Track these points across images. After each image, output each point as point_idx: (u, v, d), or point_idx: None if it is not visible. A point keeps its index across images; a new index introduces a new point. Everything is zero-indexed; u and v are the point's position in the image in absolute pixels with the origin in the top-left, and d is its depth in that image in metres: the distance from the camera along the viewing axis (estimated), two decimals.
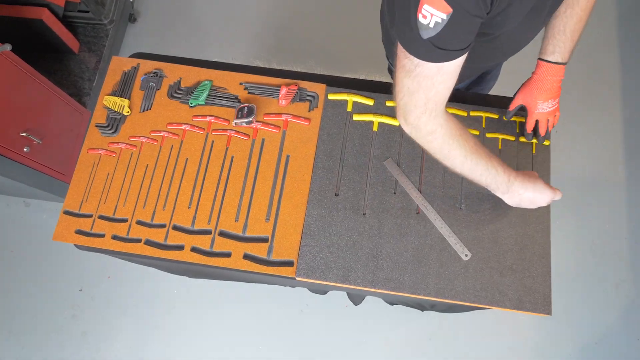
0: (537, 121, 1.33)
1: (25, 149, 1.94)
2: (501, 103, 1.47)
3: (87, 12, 2.64)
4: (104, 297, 2.47)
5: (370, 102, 1.46)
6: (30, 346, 2.40)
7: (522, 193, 1.20)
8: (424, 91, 0.94)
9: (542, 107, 1.29)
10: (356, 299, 2.06)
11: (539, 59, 1.23)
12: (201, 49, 2.99)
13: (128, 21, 3.01)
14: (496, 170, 1.14)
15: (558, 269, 2.41)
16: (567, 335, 2.37)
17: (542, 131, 1.34)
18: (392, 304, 2.13)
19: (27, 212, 2.63)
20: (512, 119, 1.41)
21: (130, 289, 2.48)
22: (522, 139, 1.40)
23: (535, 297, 1.25)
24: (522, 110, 1.34)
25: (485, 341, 2.37)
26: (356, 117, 1.44)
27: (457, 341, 2.37)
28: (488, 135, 1.41)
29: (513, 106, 1.34)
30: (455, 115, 1.43)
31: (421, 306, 1.80)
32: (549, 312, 1.24)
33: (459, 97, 1.50)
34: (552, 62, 1.21)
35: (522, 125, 1.40)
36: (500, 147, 1.40)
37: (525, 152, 1.40)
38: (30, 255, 2.55)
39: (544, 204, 1.25)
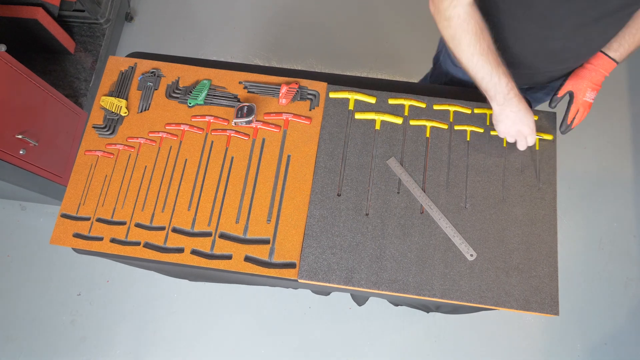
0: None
1: (21, 152, 1.94)
2: None
3: (83, 11, 2.64)
4: (103, 302, 2.47)
5: (372, 100, 1.46)
6: (29, 352, 2.41)
7: (514, 111, 1.25)
8: None
9: (589, 96, 1.33)
10: (360, 299, 2.06)
11: (601, 51, 1.28)
12: (199, 48, 2.99)
13: (125, 20, 3.02)
14: (499, 79, 1.19)
15: (565, 268, 2.42)
16: (576, 336, 2.37)
17: (577, 121, 1.36)
18: (396, 305, 2.14)
19: (24, 215, 2.64)
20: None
21: (129, 293, 2.49)
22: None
23: (542, 298, 1.25)
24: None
25: (492, 342, 2.36)
26: (358, 116, 1.44)
27: (463, 343, 2.37)
28: (493, 132, 1.41)
29: (562, 92, 1.36)
30: (459, 113, 1.43)
31: (426, 307, 1.80)
32: (556, 313, 1.24)
33: (462, 94, 1.50)
34: (610, 57, 1.26)
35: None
36: (505, 145, 1.40)
37: (530, 149, 1.40)
38: (28, 259, 2.55)
39: (519, 135, 1.31)
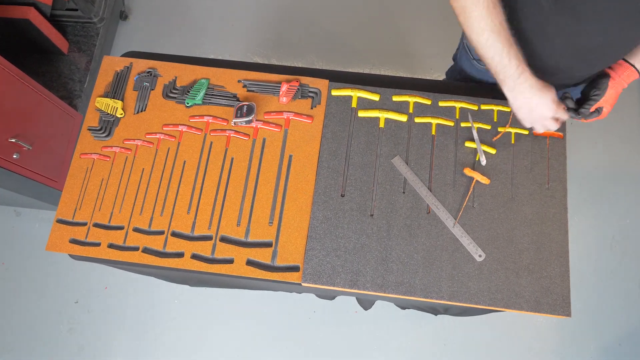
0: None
1: (14, 156, 1.95)
2: None
3: (76, 10, 2.64)
4: (102, 309, 2.48)
5: (375, 98, 1.46)
6: None
7: (527, 97, 1.19)
8: None
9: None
10: (366, 303, 2.06)
11: (623, 59, 1.22)
12: (197, 46, 2.99)
13: (119, 19, 3.02)
14: (509, 60, 1.13)
15: (577, 267, 2.41)
16: (589, 337, 2.37)
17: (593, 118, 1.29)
18: (403, 308, 2.13)
19: (18, 221, 2.64)
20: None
21: (128, 299, 2.49)
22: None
23: (553, 299, 1.25)
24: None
25: (502, 345, 2.36)
26: (361, 114, 1.44)
27: (473, 345, 2.37)
28: (500, 129, 1.41)
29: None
30: (466, 110, 1.43)
31: (434, 310, 1.80)
32: (568, 314, 1.24)
33: (469, 90, 1.50)
34: (629, 64, 1.20)
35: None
36: (513, 142, 1.40)
37: (540, 146, 1.40)
38: (23, 267, 2.56)
39: (545, 120, 1.24)
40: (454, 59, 1.68)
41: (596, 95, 1.23)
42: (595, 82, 1.25)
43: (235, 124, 1.42)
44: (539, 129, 1.29)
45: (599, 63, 1.23)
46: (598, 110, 1.25)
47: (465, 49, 1.49)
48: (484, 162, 1.36)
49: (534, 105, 1.21)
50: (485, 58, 1.16)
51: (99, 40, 2.73)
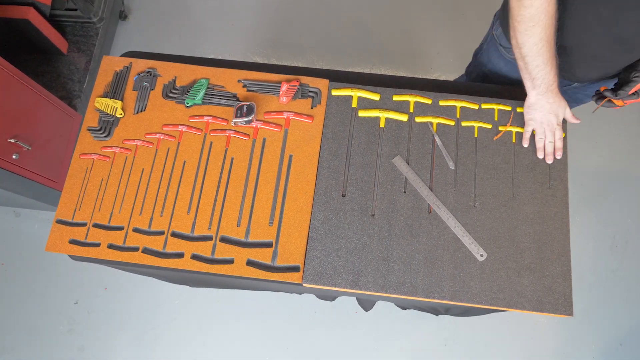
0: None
1: (13, 156, 1.94)
2: (513, 95, 1.47)
3: (75, 10, 2.64)
4: (101, 310, 2.47)
5: (376, 97, 1.45)
6: None
7: (550, 102, 1.30)
8: None
9: None
10: (367, 304, 2.06)
11: None
12: (196, 46, 2.99)
13: (119, 19, 3.02)
14: (550, 69, 1.22)
15: (578, 267, 2.41)
16: (590, 337, 2.37)
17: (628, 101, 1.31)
18: (404, 308, 2.13)
19: (18, 222, 2.64)
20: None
21: (128, 300, 2.49)
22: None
23: (555, 298, 1.25)
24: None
25: (504, 345, 2.36)
26: (362, 113, 1.44)
27: (474, 346, 2.36)
28: (501, 128, 1.40)
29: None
30: (466, 109, 1.43)
31: (435, 310, 1.80)
32: (570, 313, 1.24)
33: (470, 89, 1.50)
34: None
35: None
36: (514, 141, 1.40)
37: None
38: (22, 267, 2.55)
39: (549, 126, 1.35)
40: (476, 54, 1.68)
41: (637, 77, 1.25)
42: (633, 65, 1.27)
43: (235, 124, 1.41)
44: (539, 131, 1.36)
45: (637, 51, 1.23)
46: (637, 93, 1.28)
47: (494, 40, 1.50)
48: (452, 165, 1.38)
49: (552, 110, 1.32)
50: (529, 65, 1.23)
51: (98, 40, 2.73)
